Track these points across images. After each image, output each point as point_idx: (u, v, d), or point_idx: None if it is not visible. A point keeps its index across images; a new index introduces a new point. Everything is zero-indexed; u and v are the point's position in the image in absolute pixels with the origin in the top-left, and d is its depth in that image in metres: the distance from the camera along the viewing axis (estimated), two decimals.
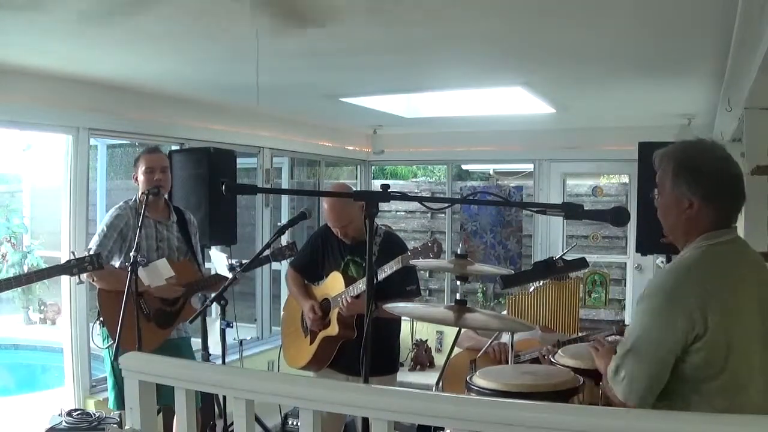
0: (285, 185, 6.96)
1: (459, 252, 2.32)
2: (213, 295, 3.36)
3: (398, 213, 8.47)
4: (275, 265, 5.44)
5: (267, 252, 3.56)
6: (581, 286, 3.78)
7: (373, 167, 7.70)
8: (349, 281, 3.39)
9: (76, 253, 3.23)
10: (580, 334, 3.14)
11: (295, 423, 4.50)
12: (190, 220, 3.86)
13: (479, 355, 3.16)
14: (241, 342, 4.34)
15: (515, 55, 3.57)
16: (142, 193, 3.52)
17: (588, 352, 2.32)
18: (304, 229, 6.42)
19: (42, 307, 7.54)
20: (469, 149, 7.05)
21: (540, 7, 2.68)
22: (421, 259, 3.10)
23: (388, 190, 2.00)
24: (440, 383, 2.80)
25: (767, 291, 1.86)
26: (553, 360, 2.64)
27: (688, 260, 1.88)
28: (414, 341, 6.79)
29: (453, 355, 3.02)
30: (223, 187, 2.04)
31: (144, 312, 3.43)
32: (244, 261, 3.58)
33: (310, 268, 3.68)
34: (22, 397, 5.26)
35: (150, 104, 4.65)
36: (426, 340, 6.86)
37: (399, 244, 3.52)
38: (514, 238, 7.34)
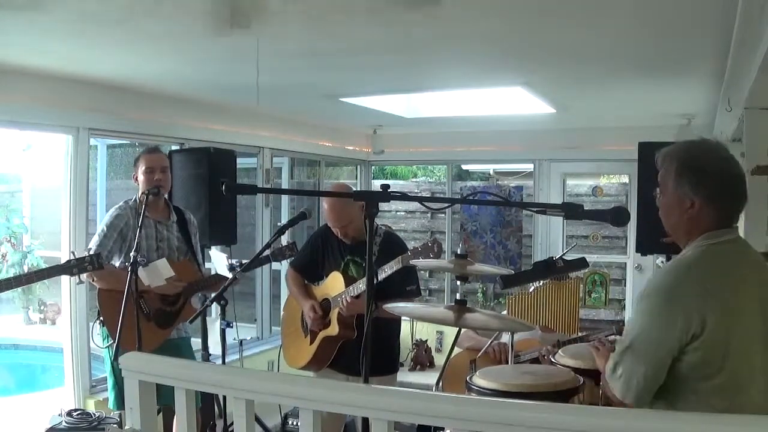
0: (285, 185, 6.96)
1: (459, 252, 2.32)
2: (213, 295, 3.36)
3: (398, 213, 8.47)
4: (275, 265, 5.44)
5: (267, 252, 3.56)
6: (581, 286, 3.79)
7: (373, 167, 7.70)
8: (349, 281, 3.39)
9: (76, 253, 3.23)
10: (580, 334, 3.14)
11: (295, 423, 4.50)
12: (190, 220, 3.86)
13: (479, 355, 3.16)
14: (241, 342, 4.34)
15: (515, 55, 3.57)
16: (142, 193, 3.52)
17: (588, 352, 2.32)
18: (304, 229, 6.42)
19: (42, 307, 7.54)
20: (469, 149, 7.05)
21: (540, 7, 2.68)
22: (421, 259, 3.10)
23: (388, 190, 2.00)
24: (440, 383, 2.80)
25: None
26: (553, 360, 2.64)
27: (688, 259, 1.88)
28: (414, 341, 6.79)
29: (453, 355, 3.02)
30: (223, 187, 2.04)
31: (144, 312, 3.43)
32: (244, 261, 3.57)
33: (310, 268, 3.68)
34: (22, 397, 5.26)
35: (150, 104, 4.65)
36: (426, 340, 6.86)
37: (399, 244, 3.52)
38: (514, 238, 7.34)
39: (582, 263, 3.17)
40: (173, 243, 3.70)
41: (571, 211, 1.90)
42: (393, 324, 3.54)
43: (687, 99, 4.71)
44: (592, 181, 7.88)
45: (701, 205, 1.86)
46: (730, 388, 1.78)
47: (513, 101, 4.89)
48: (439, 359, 6.78)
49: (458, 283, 2.29)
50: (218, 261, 3.88)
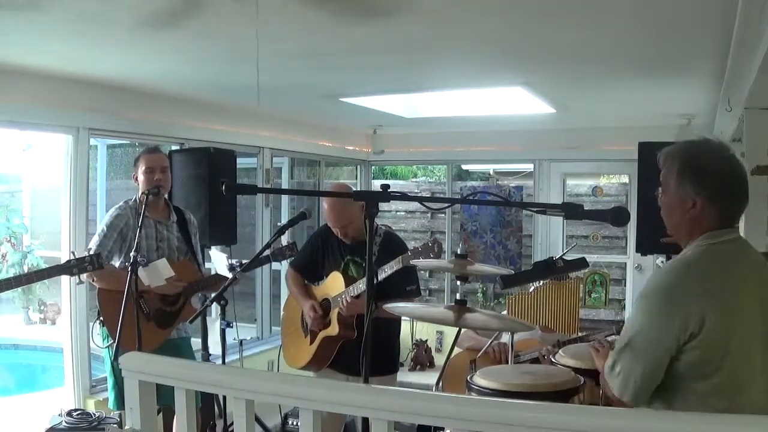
0: (285, 185, 6.96)
1: (459, 252, 2.32)
2: (213, 295, 3.36)
3: (398, 213, 8.47)
4: (275, 265, 5.44)
5: (267, 252, 3.56)
6: (581, 286, 3.78)
7: (373, 167, 7.70)
8: (349, 281, 3.39)
9: (76, 253, 3.23)
10: (580, 334, 3.14)
11: (295, 423, 4.50)
12: (190, 220, 3.86)
13: (479, 355, 3.16)
14: (241, 342, 4.34)
15: (515, 55, 3.57)
16: (142, 193, 3.52)
17: (588, 353, 2.32)
18: (304, 229, 6.42)
19: (42, 307, 7.54)
20: (469, 149, 7.05)
21: (540, 7, 2.68)
22: (421, 259, 3.10)
23: (388, 190, 2.00)
24: (440, 383, 2.80)
25: None
26: (553, 360, 2.64)
27: (687, 259, 1.89)
28: (414, 341, 6.79)
29: (453, 355, 3.02)
30: (223, 187, 2.04)
31: (144, 312, 3.43)
32: (244, 261, 3.57)
33: (310, 268, 3.68)
34: (22, 397, 5.26)
35: (150, 104, 4.65)
36: (426, 340, 6.86)
37: (399, 244, 3.52)
38: (514, 238, 7.34)
39: (582, 263, 3.17)
40: (173, 243, 3.70)
41: (571, 211, 1.90)
42: (393, 324, 3.54)
43: (687, 99, 4.71)
44: (592, 181, 7.88)
45: (703, 205, 1.86)
46: (730, 388, 1.78)
47: (513, 101, 4.89)
48: (439, 359, 6.78)
49: (458, 283, 2.29)
50: (218, 261, 3.88)
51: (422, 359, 6.81)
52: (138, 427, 1.83)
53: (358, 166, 7.53)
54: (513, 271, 3.44)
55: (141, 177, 3.59)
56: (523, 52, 3.47)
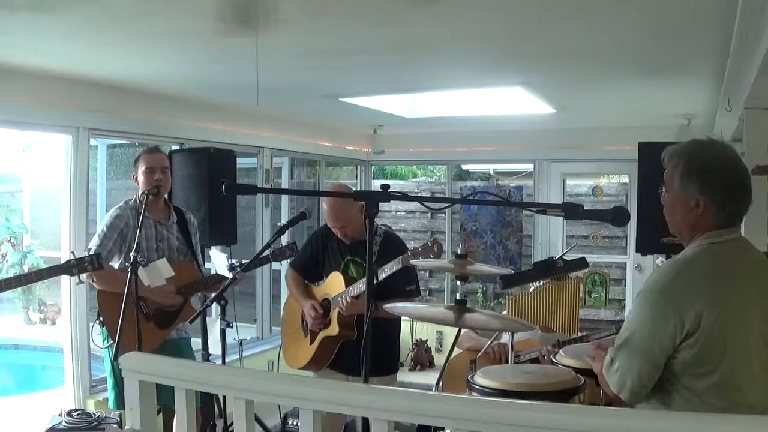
0: (285, 185, 6.96)
1: (459, 252, 2.32)
2: (213, 295, 3.36)
3: (398, 213, 8.47)
4: (275, 265, 5.43)
5: (267, 252, 3.56)
6: (581, 286, 3.78)
7: (373, 167, 7.70)
8: (349, 281, 3.39)
9: (76, 253, 3.23)
10: (580, 334, 3.14)
11: (295, 423, 4.50)
12: (190, 221, 3.86)
13: (479, 355, 3.16)
14: (241, 342, 4.34)
15: (515, 55, 3.57)
16: (142, 193, 3.51)
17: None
18: (304, 229, 6.42)
19: (42, 307, 7.54)
20: (469, 149, 7.05)
21: (540, 6, 2.68)
22: (421, 259, 3.10)
23: (388, 190, 2.00)
24: (440, 383, 2.80)
25: None
26: (553, 360, 2.64)
27: (687, 258, 1.90)
28: (414, 341, 6.79)
29: (453, 355, 3.02)
30: (223, 187, 2.05)
31: (144, 312, 3.43)
32: (244, 261, 3.57)
33: (310, 269, 3.68)
34: (22, 397, 5.26)
35: (150, 104, 4.65)
36: (426, 340, 6.86)
37: (399, 244, 3.52)
38: (514, 238, 7.34)
39: (582, 263, 3.17)
40: (173, 243, 3.70)
41: (571, 211, 1.91)
42: (393, 324, 3.54)
43: (687, 99, 4.71)
44: (592, 181, 7.88)
45: (706, 205, 1.86)
46: (729, 387, 1.78)
47: (513, 101, 4.89)
48: (439, 359, 6.78)
49: (458, 283, 2.29)
50: (218, 261, 3.88)
51: (422, 359, 6.81)
52: (138, 427, 1.83)
53: (358, 166, 7.53)
54: (513, 271, 3.44)
55: (141, 177, 3.59)
56: (523, 52, 3.47)
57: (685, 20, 2.77)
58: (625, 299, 7.00)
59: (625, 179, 7.34)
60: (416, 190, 8.52)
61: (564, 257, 3.19)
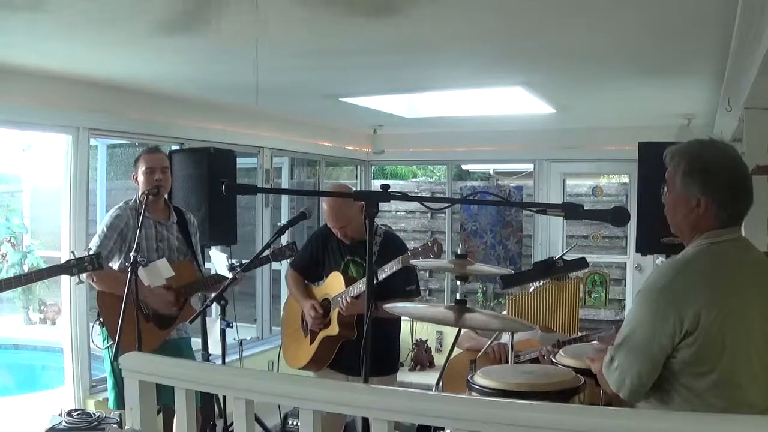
0: (285, 185, 6.97)
1: (459, 252, 2.32)
2: (213, 295, 3.36)
3: (398, 213, 8.47)
4: (275, 265, 5.43)
5: (267, 252, 3.56)
6: (581, 286, 3.78)
7: (373, 167, 7.70)
8: (349, 281, 3.39)
9: (76, 253, 3.22)
10: (580, 334, 3.14)
11: (295, 423, 4.50)
12: (190, 221, 3.86)
13: (479, 355, 3.16)
14: (241, 342, 4.34)
15: (515, 55, 3.57)
16: (142, 193, 3.51)
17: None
18: (304, 229, 6.42)
19: (42, 307, 7.54)
20: (469, 149, 7.05)
21: (540, 6, 2.68)
22: (421, 259, 3.10)
23: (388, 190, 2.00)
24: (440, 383, 2.80)
25: None
26: (553, 360, 2.64)
27: (686, 257, 1.90)
28: (414, 341, 6.79)
29: (453, 355, 3.02)
30: (223, 187, 2.04)
31: (143, 312, 3.43)
32: (244, 261, 3.57)
33: (310, 269, 3.68)
34: (22, 397, 5.26)
35: (150, 104, 4.65)
36: (426, 340, 6.86)
37: (398, 244, 3.52)
38: (514, 238, 7.34)
39: (582, 263, 3.17)
40: (173, 243, 3.70)
41: (571, 211, 1.91)
42: (393, 324, 3.54)
43: (687, 99, 4.71)
44: (592, 181, 7.88)
45: (707, 205, 1.87)
46: (728, 386, 1.78)
47: (513, 101, 4.89)
48: (439, 359, 6.78)
49: (458, 283, 2.29)
50: (218, 261, 3.88)
51: (422, 359, 6.81)
52: (138, 427, 1.83)
53: (358, 166, 7.53)
54: (513, 271, 3.44)
55: (141, 177, 3.59)
56: (523, 52, 3.47)
57: (685, 20, 2.77)
58: (625, 299, 7.00)
59: (625, 179, 7.34)
60: (416, 190, 8.52)
61: (564, 257, 3.19)
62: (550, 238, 6.69)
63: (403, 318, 3.67)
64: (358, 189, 6.82)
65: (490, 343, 3.22)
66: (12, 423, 4.21)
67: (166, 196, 3.76)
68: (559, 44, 3.26)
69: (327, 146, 6.76)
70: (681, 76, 3.96)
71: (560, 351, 2.67)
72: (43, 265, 3.82)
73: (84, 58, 3.58)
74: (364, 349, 2.00)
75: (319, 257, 3.64)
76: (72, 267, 3.12)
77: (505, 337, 3.05)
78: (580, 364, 2.46)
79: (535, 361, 3.03)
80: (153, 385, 1.86)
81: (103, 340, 3.49)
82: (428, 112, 5.63)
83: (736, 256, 1.90)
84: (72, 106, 4.15)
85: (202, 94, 4.77)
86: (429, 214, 8.16)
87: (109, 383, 3.58)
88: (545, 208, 2.15)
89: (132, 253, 3.21)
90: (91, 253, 3.25)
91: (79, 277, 3.17)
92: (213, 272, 3.90)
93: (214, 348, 3.79)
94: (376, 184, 7.72)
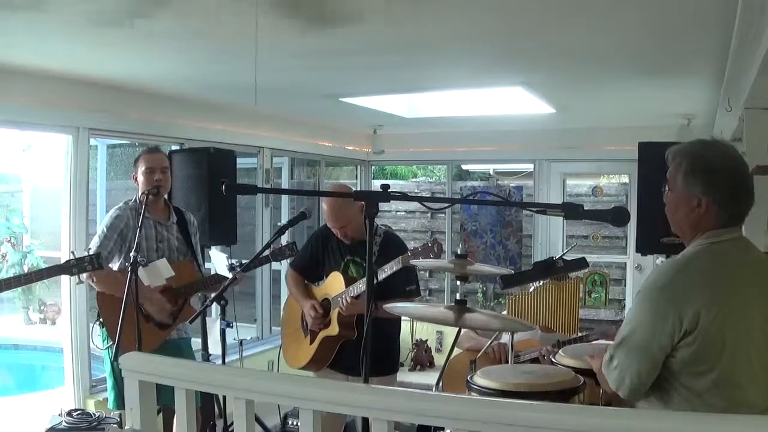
0: (285, 185, 6.96)
1: (459, 252, 2.32)
2: (213, 295, 3.36)
3: (398, 213, 8.47)
4: (275, 265, 5.44)
5: (267, 252, 3.56)
6: (581, 286, 3.78)
7: (373, 167, 7.70)
8: (349, 281, 3.39)
9: (76, 253, 3.22)
10: (580, 334, 3.14)
11: (295, 423, 4.50)
12: (190, 221, 3.86)
13: (479, 355, 3.16)
14: (241, 342, 4.34)
15: (515, 55, 3.57)
16: (142, 193, 3.51)
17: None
18: (304, 229, 6.42)
19: (42, 307, 7.54)
20: (469, 149, 7.05)
21: (540, 6, 2.68)
22: (421, 259, 3.10)
23: (388, 190, 2.00)
24: (440, 383, 2.80)
25: None
26: (553, 360, 2.64)
27: (686, 257, 1.91)
28: (414, 341, 6.79)
29: (453, 355, 3.02)
30: (223, 187, 2.04)
31: (143, 313, 3.43)
32: (244, 261, 3.57)
33: (310, 269, 3.68)
34: (22, 397, 5.26)
35: (150, 104, 4.65)
36: (426, 340, 6.86)
37: (398, 244, 3.51)
38: (514, 238, 7.34)
39: (582, 263, 3.17)
40: (173, 243, 3.70)
41: (571, 211, 1.91)
42: (393, 324, 3.54)
43: (687, 99, 4.71)
44: (592, 181, 7.88)
45: (708, 205, 1.87)
46: (728, 386, 1.78)
47: (513, 101, 4.89)
48: (439, 359, 6.78)
49: (458, 283, 2.29)
50: (218, 261, 3.88)
51: (422, 359, 6.81)
52: (138, 427, 1.82)
53: (358, 166, 7.52)
54: (513, 271, 3.44)
55: (141, 177, 3.59)
56: (523, 52, 3.47)
57: (685, 20, 2.77)
58: (625, 299, 7.00)
59: (625, 179, 7.34)
60: (416, 190, 8.52)
61: (564, 257, 3.19)
62: (550, 238, 6.69)
63: (403, 318, 3.67)
64: (358, 189, 6.82)
65: (490, 343, 3.22)
66: (12, 423, 4.21)
67: (166, 196, 3.76)
68: (559, 44, 3.26)
69: (327, 146, 6.76)
70: (681, 76, 3.96)
71: (560, 351, 2.67)
72: (43, 265, 3.82)
73: (84, 58, 3.58)
74: (364, 349, 2.00)
75: (319, 257, 3.64)
76: (72, 267, 3.12)
77: (505, 337, 3.05)
78: (580, 364, 2.46)
79: (535, 361, 3.03)
80: (153, 385, 1.86)
81: (103, 341, 3.49)
82: (428, 112, 5.63)
83: (736, 255, 1.90)
84: (72, 106, 4.15)
85: (202, 94, 4.77)
86: (429, 214, 8.16)
87: (109, 383, 3.57)
88: (545, 208, 2.15)
89: (132, 253, 3.20)
90: (91, 253, 3.24)
91: (79, 278, 3.17)
92: (213, 272, 3.90)
93: (214, 348, 3.79)
94: (376, 184, 7.72)
